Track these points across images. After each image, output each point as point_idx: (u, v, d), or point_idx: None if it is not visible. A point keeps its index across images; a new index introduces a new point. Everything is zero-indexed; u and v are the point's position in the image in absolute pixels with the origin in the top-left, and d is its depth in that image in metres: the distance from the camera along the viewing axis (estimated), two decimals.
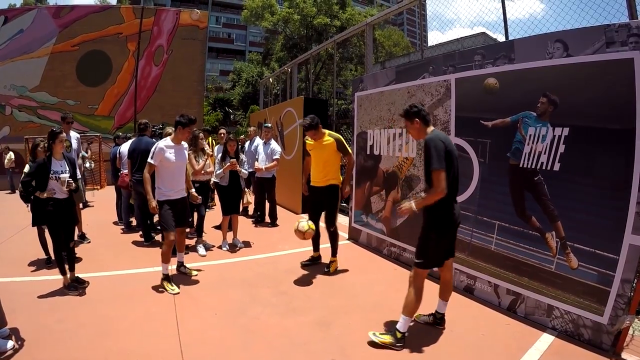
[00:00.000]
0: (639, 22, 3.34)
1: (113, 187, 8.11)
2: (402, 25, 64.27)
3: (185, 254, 5.39)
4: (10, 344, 3.30)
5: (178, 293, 4.61)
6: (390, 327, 3.67)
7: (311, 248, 5.77)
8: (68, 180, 4.44)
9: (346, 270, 5.49)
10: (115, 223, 7.97)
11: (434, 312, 3.90)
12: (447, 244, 3.59)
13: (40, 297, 4.36)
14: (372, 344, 3.49)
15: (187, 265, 5.32)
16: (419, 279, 3.55)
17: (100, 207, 8.05)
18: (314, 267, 5.60)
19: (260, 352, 3.44)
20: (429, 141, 3.39)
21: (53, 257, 5.29)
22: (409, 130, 3.78)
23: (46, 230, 4.76)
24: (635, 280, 3.38)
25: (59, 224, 4.51)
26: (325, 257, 5.67)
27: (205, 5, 50.42)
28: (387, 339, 3.50)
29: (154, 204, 4.68)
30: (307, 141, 5.41)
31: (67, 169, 4.56)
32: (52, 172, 4.41)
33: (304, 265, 5.62)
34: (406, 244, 5.83)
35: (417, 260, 3.55)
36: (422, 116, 3.59)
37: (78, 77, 17.05)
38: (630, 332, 3.63)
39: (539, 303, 4.02)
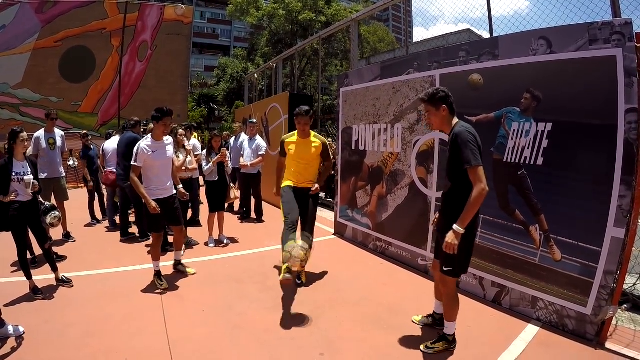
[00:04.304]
0: (622, 20, 3.40)
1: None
2: (388, 21, 64.50)
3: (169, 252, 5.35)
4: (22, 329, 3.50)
5: (166, 288, 4.58)
6: (435, 336, 3.54)
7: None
8: (33, 182, 4.26)
9: (332, 265, 5.50)
10: (88, 224, 7.83)
11: (432, 313, 3.85)
12: (472, 248, 3.33)
13: (25, 298, 4.27)
14: (429, 356, 3.37)
15: (182, 262, 5.27)
16: (450, 287, 3.35)
17: (85, 205, 7.91)
18: None
19: (248, 347, 3.43)
20: (459, 135, 3.05)
21: (37, 257, 5.26)
22: (430, 117, 3.33)
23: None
24: (618, 271, 3.45)
25: (24, 228, 4.36)
26: (313, 254, 5.42)
27: (190, 0, 49.97)
28: (441, 346, 3.40)
29: (153, 204, 4.47)
30: (288, 141, 4.94)
31: (30, 170, 4.37)
32: (14, 174, 4.22)
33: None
34: (392, 238, 5.88)
35: (445, 269, 3.26)
36: (450, 103, 3.20)
37: (61, 74, 16.76)
38: (614, 322, 3.73)
39: (523, 295, 4.08)
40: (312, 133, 4.97)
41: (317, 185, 4.87)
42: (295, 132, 4.98)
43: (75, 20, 16.76)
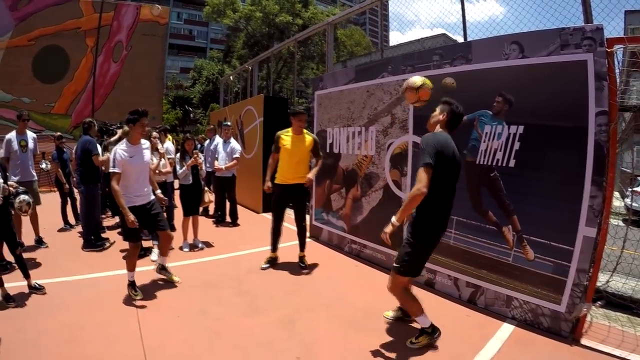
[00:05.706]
0: (594, 26, 3.48)
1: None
2: (365, 25, 64.85)
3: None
4: None
5: (141, 298, 4.41)
6: (414, 332, 3.56)
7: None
8: (2, 186, 4.10)
9: (308, 268, 5.50)
10: (61, 229, 7.63)
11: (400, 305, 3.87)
12: (429, 254, 3.40)
13: None
14: (414, 350, 3.41)
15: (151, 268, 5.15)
16: (394, 283, 3.38)
17: (58, 210, 7.70)
18: (275, 266, 5.56)
19: (225, 352, 3.39)
20: (423, 138, 3.15)
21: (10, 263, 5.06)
22: (430, 120, 3.40)
23: None
24: (591, 269, 3.53)
25: None
26: (288, 256, 5.69)
27: (167, 0, 49.34)
28: (424, 339, 3.44)
29: (131, 217, 4.20)
30: (283, 135, 5.32)
31: None
32: None
33: (264, 269, 5.45)
34: (367, 240, 5.89)
35: (395, 265, 3.34)
36: (453, 115, 3.26)
37: (34, 74, 16.24)
38: (588, 319, 3.81)
39: (498, 294, 4.13)
40: (305, 131, 5.41)
41: (309, 177, 5.32)
42: (290, 128, 5.36)
43: (50, 19, 16.24)
